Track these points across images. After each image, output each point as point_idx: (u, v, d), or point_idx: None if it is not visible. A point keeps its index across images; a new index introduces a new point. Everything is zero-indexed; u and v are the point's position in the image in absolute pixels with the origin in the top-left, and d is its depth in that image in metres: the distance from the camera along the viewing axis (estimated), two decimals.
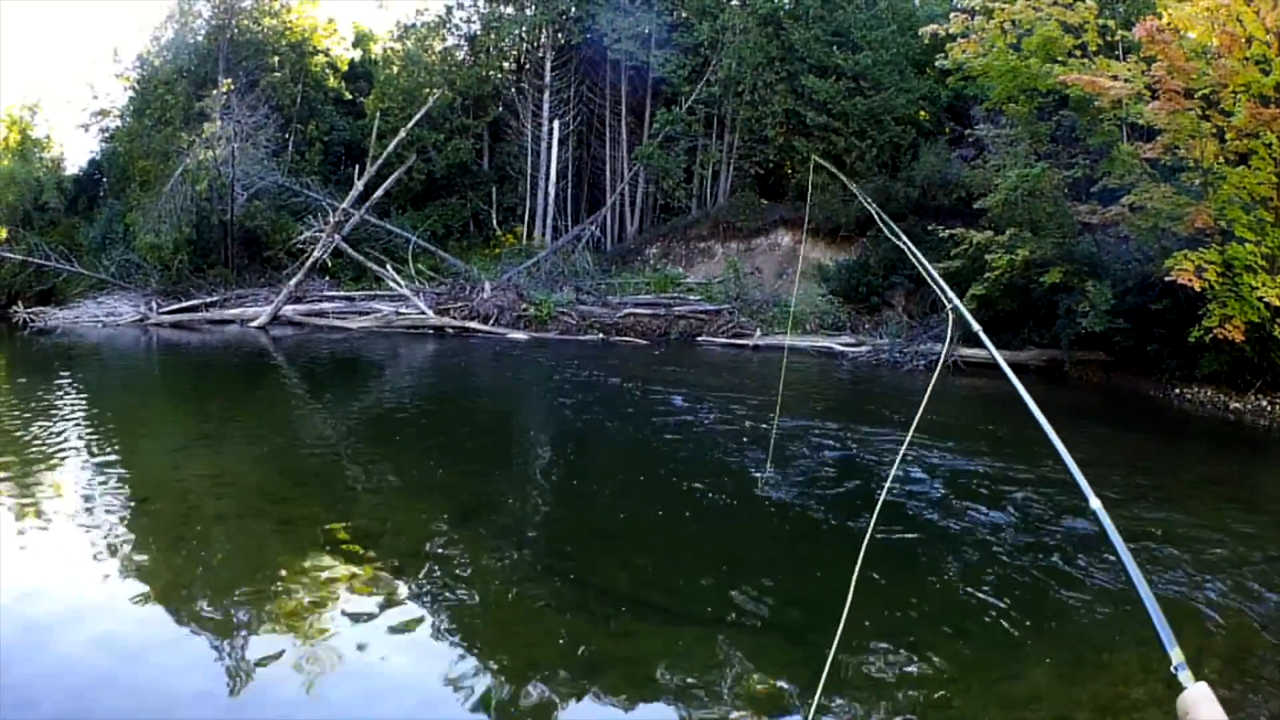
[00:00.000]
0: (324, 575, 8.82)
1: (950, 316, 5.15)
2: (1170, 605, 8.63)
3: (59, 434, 14.64)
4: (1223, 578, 9.39)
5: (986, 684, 7.11)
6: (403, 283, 36.59)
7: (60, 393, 19.56)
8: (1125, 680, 7.15)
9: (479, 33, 46.45)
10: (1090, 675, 7.16)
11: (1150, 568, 9.58)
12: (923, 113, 40.11)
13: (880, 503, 7.53)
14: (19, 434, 14.52)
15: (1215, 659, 7.63)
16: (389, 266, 37.82)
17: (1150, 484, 14.14)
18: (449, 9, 46.11)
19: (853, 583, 4.91)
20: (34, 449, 13.45)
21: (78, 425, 15.74)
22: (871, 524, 5.95)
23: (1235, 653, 7.76)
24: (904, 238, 6.62)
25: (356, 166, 41.29)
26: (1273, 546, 10.71)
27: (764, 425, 16.77)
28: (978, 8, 26.13)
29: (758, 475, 12.81)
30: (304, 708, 6.47)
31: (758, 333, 33.69)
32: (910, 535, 10.45)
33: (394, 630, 7.63)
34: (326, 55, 48.07)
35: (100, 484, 11.84)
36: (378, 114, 42.44)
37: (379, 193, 39.57)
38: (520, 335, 33.71)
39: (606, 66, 43.86)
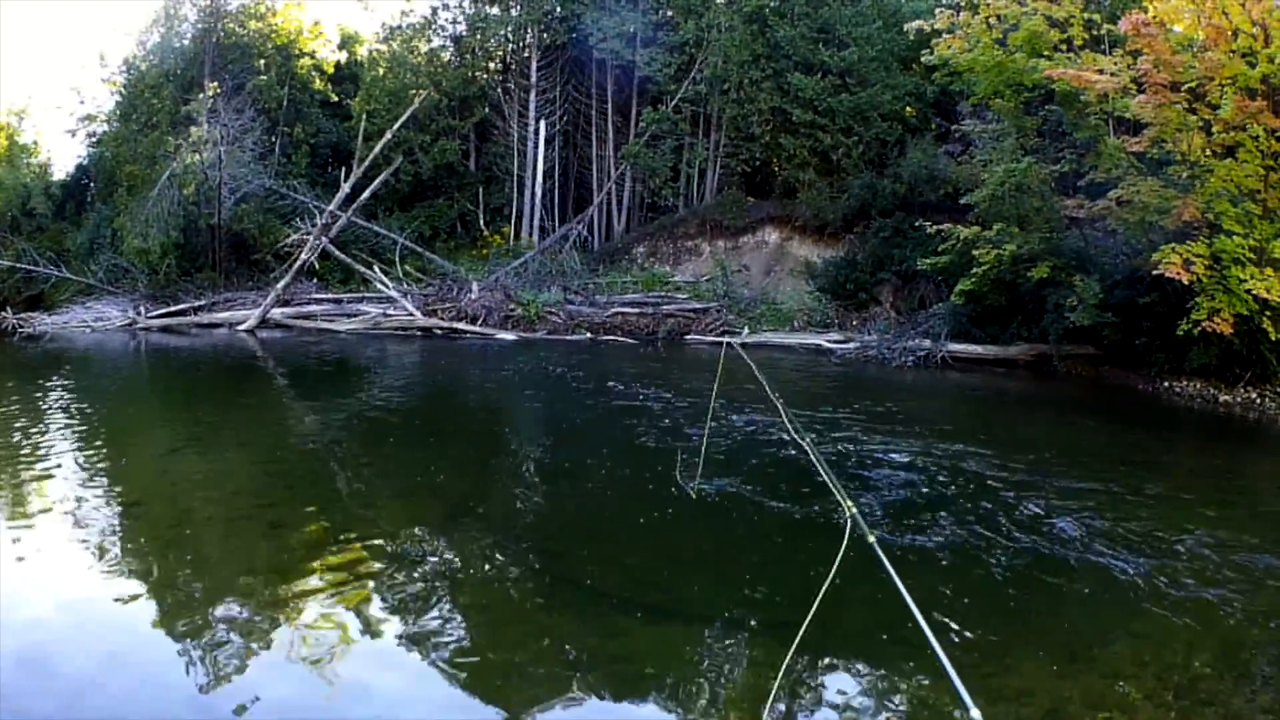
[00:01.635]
0: (314, 577, 8.81)
1: (849, 522, 5.39)
2: (1161, 600, 8.65)
3: (48, 439, 14.62)
4: (1215, 570, 9.41)
5: (978, 678, 7.09)
6: (390, 284, 36.49)
7: (49, 398, 19.48)
8: (1117, 674, 7.16)
9: (464, 33, 46.38)
10: (1082, 669, 7.16)
11: (1142, 561, 9.60)
12: (909, 109, 40.05)
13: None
14: (8, 440, 14.46)
15: (1206, 652, 7.65)
16: (376, 268, 37.70)
17: (1140, 478, 14.16)
18: (434, 10, 46.03)
19: (822, 590, 4.93)
20: (23, 454, 13.40)
21: (67, 430, 15.73)
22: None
23: (1227, 646, 7.77)
24: (807, 443, 6.81)
25: (343, 169, 41.20)
26: (1264, 539, 10.73)
27: (757, 422, 16.80)
28: (963, 3, 26.19)
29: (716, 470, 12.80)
30: (294, 709, 6.47)
31: (745, 330, 33.67)
32: (899, 531, 10.45)
33: (383, 631, 7.63)
34: (312, 58, 47.93)
35: (90, 488, 11.80)
36: (364, 116, 42.33)
37: (366, 194, 39.44)
38: (508, 335, 33.66)
39: (592, 66, 43.84)
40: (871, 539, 5.24)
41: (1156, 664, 7.45)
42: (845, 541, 5.55)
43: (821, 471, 6.51)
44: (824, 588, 5.48)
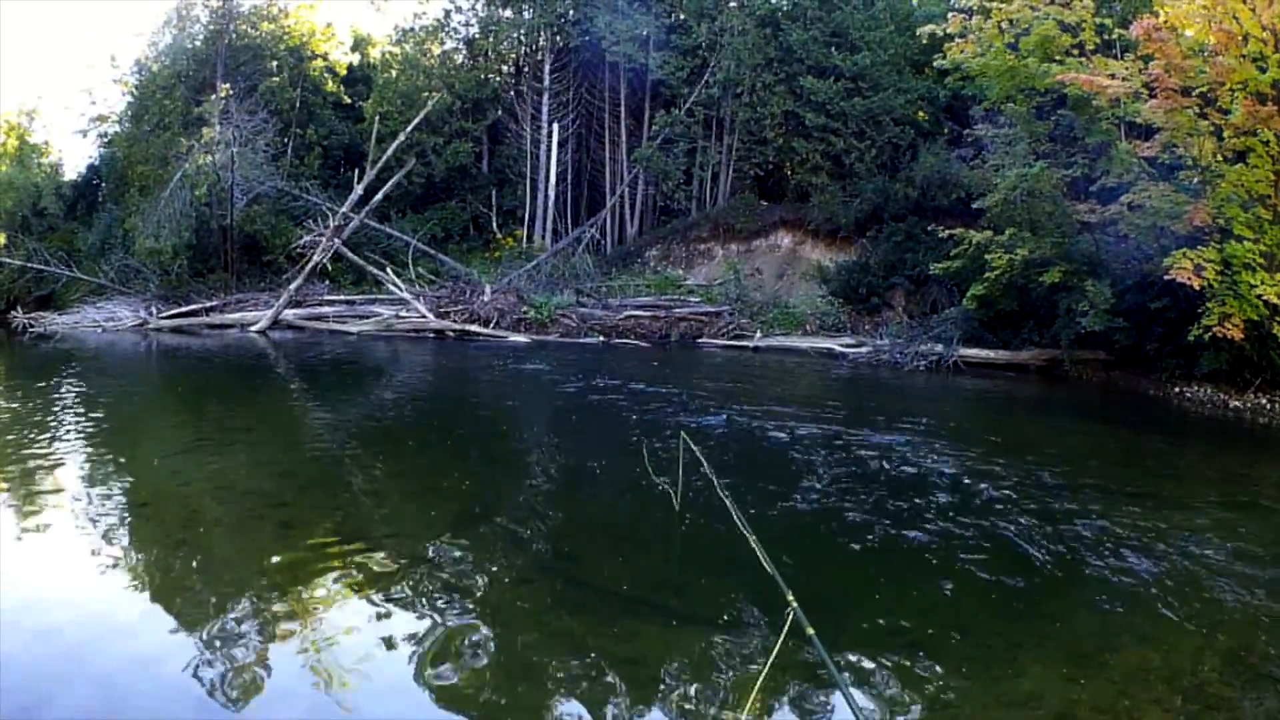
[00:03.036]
0: (325, 578, 8.82)
1: (789, 615, 5.59)
2: (1170, 605, 8.64)
3: (59, 439, 14.66)
4: (1223, 576, 9.39)
5: (987, 683, 7.12)
6: (403, 286, 36.54)
7: (60, 398, 19.54)
8: (1126, 679, 7.15)
9: (477, 36, 46.48)
10: (1091, 675, 7.15)
11: (1150, 565, 9.59)
12: (921, 113, 40.08)
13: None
14: (19, 439, 14.50)
15: (1215, 657, 7.64)
16: (389, 270, 37.77)
17: (1150, 482, 14.15)
18: (447, 12, 46.19)
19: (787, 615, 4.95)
20: (34, 454, 13.44)
21: (78, 430, 15.75)
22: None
23: (1235, 651, 7.76)
24: (754, 540, 7.03)
25: (356, 170, 41.29)
26: (1273, 544, 10.71)
27: (762, 427, 16.82)
28: (975, 7, 26.18)
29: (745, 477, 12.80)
30: (304, 710, 6.48)
31: (758, 334, 33.72)
32: (910, 535, 10.45)
33: (394, 633, 7.63)
34: (325, 59, 48.07)
35: (101, 488, 11.85)
36: (376, 118, 42.42)
37: (378, 196, 39.50)
38: (521, 338, 33.74)
39: (605, 69, 43.90)
40: (810, 632, 5.41)
41: (1165, 669, 7.44)
42: (782, 635, 5.72)
43: (765, 564, 6.64)
44: (760, 679, 5.63)
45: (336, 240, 37.87)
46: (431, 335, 34.27)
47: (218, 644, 7.24)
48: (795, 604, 5.75)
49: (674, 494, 10.67)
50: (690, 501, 11.27)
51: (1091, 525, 10.99)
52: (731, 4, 42.70)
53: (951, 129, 38.07)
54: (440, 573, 9.05)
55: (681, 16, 43.24)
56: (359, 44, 51.63)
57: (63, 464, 12.99)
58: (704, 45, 41.73)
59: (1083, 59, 24.49)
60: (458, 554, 9.68)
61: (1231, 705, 6.89)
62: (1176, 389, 23.71)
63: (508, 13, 45.60)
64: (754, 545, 7.07)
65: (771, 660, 5.90)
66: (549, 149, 43.49)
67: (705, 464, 9.93)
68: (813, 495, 12.26)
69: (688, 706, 6.68)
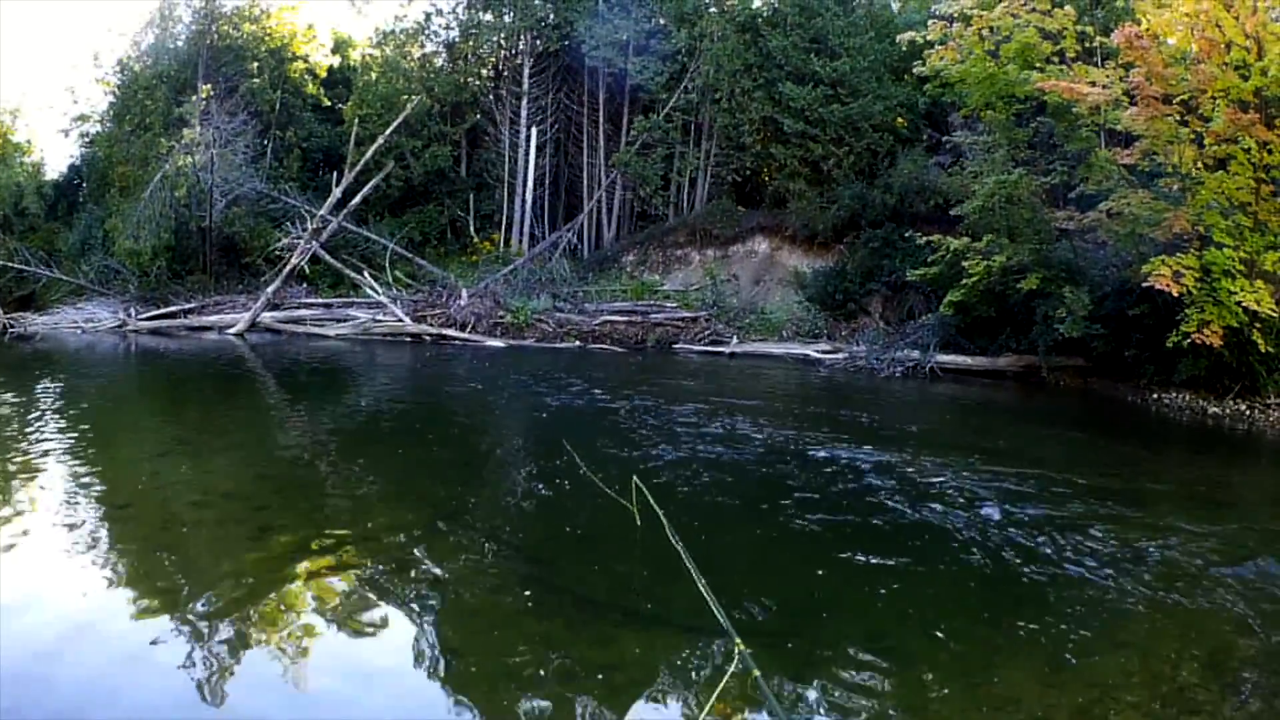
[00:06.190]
0: (302, 581, 8.77)
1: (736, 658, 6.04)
2: (1149, 609, 8.66)
3: (37, 441, 14.54)
4: (1202, 581, 9.41)
5: (965, 687, 7.10)
6: (380, 290, 36.52)
7: (38, 399, 19.45)
8: (1104, 683, 7.14)
9: (457, 39, 46.51)
10: (1069, 678, 7.15)
11: (1128, 571, 9.60)
12: (900, 119, 40.09)
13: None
14: None
15: (1194, 663, 7.65)
16: (366, 273, 37.74)
17: (1128, 489, 14.14)
18: (427, 15, 46.20)
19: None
20: (11, 456, 13.33)
21: (56, 432, 15.63)
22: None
23: (1214, 655, 7.77)
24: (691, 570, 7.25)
25: (335, 173, 41.34)
26: (1251, 549, 10.74)
27: (739, 429, 16.83)
28: (956, 14, 26.22)
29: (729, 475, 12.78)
30: (281, 712, 6.45)
31: (734, 340, 33.74)
32: (882, 540, 10.46)
33: (371, 637, 7.61)
34: (306, 61, 48.04)
35: (79, 491, 11.74)
36: (356, 120, 42.44)
37: (357, 199, 39.53)
38: (497, 343, 33.65)
39: (584, 73, 43.98)
40: (756, 673, 5.68)
41: (1144, 673, 7.44)
42: (725, 677, 5.95)
43: (716, 612, 6.74)
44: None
45: (315, 243, 37.83)
46: (408, 339, 34.16)
47: (196, 646, 7.19)
48: (742, 646, 5.88)
49: (636, 513, 10.63)
50: (669, 506, 11.25)
51: (1069, 531, 11.00)
52: (711, 9, 42.74)
53: (930, 135, 38.19)
54: (418, 575, 9.02)
55: (661, 22, 43.23)
56: (339, 46, 51.58)
57: (41, 466, 12.87)
58: (683, 50, 41.72)
59: (1063, 66, 24.56)
60: (434, 557, 9.64)
61: (1211, 709, 6.90)
62: (1155, 395, 23.74)
63: (488, 16, 45.57)
64: (694, 575, 7.07)
65: (722, 686, 5.99)
66: (527, 153, 43.46)
67: (657, 509, 9.96)
68: (786, 502, 12.26)
69: (662, 712, 6.67)
